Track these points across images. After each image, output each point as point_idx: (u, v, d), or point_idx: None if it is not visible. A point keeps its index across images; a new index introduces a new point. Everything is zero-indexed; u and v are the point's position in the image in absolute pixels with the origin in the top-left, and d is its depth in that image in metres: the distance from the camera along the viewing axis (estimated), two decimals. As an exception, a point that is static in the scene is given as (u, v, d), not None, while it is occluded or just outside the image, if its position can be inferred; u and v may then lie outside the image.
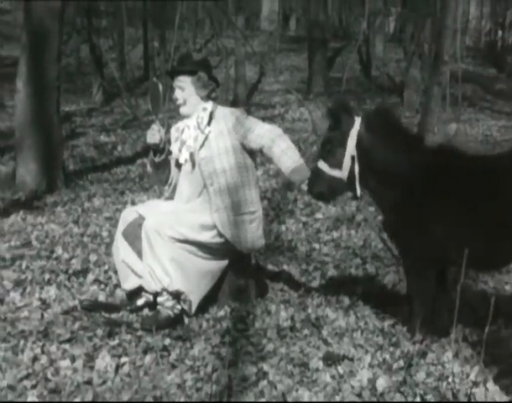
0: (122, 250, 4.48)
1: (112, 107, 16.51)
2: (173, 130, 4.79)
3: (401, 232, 4.08)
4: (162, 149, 4.62)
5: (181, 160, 4.60)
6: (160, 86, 4.68)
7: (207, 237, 4.41)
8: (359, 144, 3.97)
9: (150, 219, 4.29)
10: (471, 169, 3.96)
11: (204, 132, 4.50)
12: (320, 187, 4.15)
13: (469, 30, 30.57)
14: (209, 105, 4.58)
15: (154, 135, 4.54)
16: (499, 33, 27.01)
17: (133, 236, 4.42)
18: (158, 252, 4.22)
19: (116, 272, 5.23)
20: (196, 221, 4.38)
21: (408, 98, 17.46)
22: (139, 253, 4.38)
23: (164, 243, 4.21)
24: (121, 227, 4.51)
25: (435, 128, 12.57)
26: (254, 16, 23.24)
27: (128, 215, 4.53)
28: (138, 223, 4.38)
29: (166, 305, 4.33)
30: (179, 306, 4.36)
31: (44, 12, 8.22)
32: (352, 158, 4.00)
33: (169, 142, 4.71)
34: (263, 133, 4.46)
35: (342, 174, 4.04)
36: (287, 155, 4.39)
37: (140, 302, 4.51)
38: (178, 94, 4.55)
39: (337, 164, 4.02)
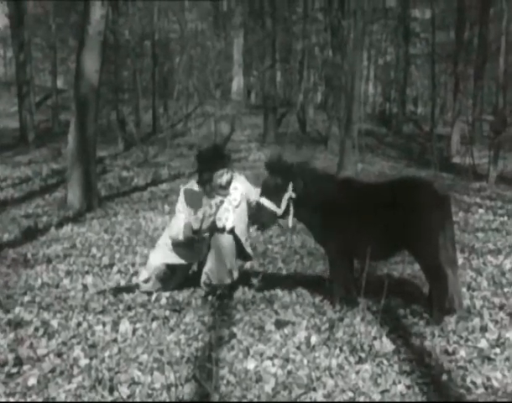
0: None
1: (131, 152, 16.39)
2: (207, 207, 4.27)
3: (324, 237, 4.11)
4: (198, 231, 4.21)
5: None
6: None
7: None
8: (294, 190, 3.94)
9: None
10: (363, 192, 4.06)
11: (235, 208, 4.24)
12: (262, 218, 4.04)
13: (368, 102, 31.11)
14: (238, 184, 4.30)
15: (196, 222, 4.18)
16: (387, 104, 27.54)
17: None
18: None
19: (132, 265, 5.22)
20: None
21: (330, 146, 17.67)
22: None
23: None
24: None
25: (348, 167, 12.73)
26: (227, 90, 23.27)
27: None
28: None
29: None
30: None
31: (87, 89, 8.23)
32: (289, 199, 3.96)
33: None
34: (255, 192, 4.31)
35: (279, 210, 3.96)
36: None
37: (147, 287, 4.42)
38: (226, 178, 4.24)
39: (277, 203, 3.94)
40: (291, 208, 3.98)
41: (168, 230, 4.43)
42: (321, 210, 3.97)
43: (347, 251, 4.02)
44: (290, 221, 4.02)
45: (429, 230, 3.70)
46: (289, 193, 3.94)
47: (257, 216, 4.09)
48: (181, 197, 4.36)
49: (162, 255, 4.35)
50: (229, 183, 4.27)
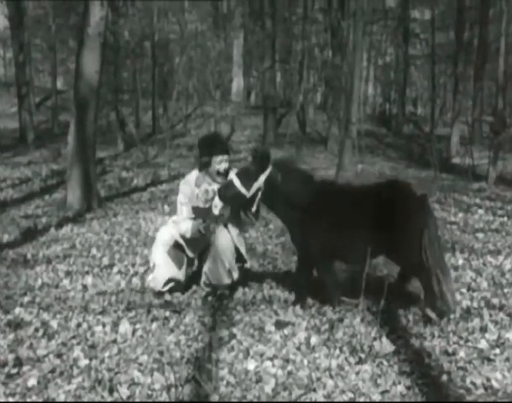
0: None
1: (131, 153, 16.40)
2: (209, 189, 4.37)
3: (299, 238, 4.08)
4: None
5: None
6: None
7: None
8: (270, 180, 3.92)
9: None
10: (341, 195, 4.03)
11: None
12: (227, 193, 4.00)
13: (368, 103, 31.13)
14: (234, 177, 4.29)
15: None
16: (387, 105, 27.56)
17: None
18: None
19: (132, 265, 5.22)
20: None
21: (330, 147, 17.68)
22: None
23: None
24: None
25: (348, 167, 12.74)
26: (227, 91, 23.29)
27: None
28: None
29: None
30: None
31: (86, 90, 8.24)
32: (259, 188, 3.94)
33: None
34: None
35: (247, 193, 3.94)
36: None
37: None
38: (224, 166, 4.31)
39: (247, 186, 3.93)
40: (257, 198, 3.96)
41: (172, 225, 4.40)
42: (298, 210, 3.95)
43: (322, 254, 3.99)
44: (254, 207, 4.02)
45: (408, 232, 3.70)
46: (260, 183, 3.92)
47: (224, 189, 4.02)
48: (181, 188, 4.40)
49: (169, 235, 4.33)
50: (227, 171, 4.30)
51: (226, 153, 4.34)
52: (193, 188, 4.35)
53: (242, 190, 3.94)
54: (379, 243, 3.80)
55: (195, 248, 4.40)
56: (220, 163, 4.29)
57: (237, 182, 3.95)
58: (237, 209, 4.22)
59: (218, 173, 4.29)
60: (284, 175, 3.97)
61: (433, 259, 3.68)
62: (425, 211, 3.76)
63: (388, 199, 3.79)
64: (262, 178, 3.92)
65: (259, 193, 3.95)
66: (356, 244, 3.84)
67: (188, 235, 4.24)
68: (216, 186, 4.25)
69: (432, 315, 3.65)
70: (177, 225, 4.32)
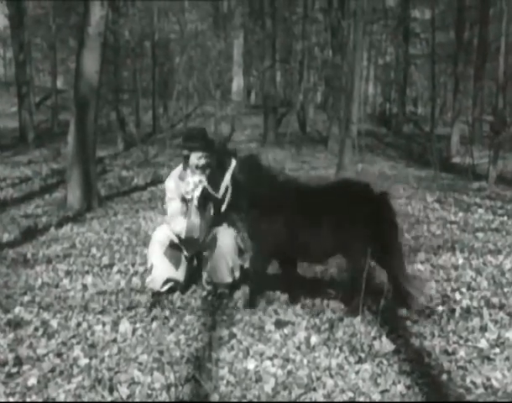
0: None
1: (131, 152, 16.41)
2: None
3: (255, 235, 4.05)
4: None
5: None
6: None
7: None
8: (233, 178, 3.96)
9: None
10: (300, 193, 4.00)
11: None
12: (204, 200, 4.09)
13: (368, 102, 31.13)
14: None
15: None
16: (387, 105, 27.55)
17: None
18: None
19: (132, 265, 5.22)
20: None
21: (330, 146, 17.68)
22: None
23: None
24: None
25: (348, 167, 12.74)
26: (227, 90, 23.28)
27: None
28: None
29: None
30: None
31: (87, 90, 8.24)
32: (227, 187, 3.98)
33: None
34: None
35: (218, 195, 4.01)
36: None
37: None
38: (203, 162, 4.29)
39: (216, 189, 4.00)
40: (227, 196, 4.00)
41: (166, 227, 4.40)
42: (257, 207, 3.94)
43: (276, 252, 3.98)
44: (223, 207, 4.07)
45: (361, 230, 3.73)
46: (227, 181, 3.95)
47: (201, 200, 4.12)
48: (167, 185, 4.40)
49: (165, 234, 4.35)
50: (205, 167, 4.30)
51: (206, 150, 4.32)
52: (177, 182, 4.36)
53: (215, 194, 4.00)
54: (335, 242, 3.81)
55: (192, 247, 4.39)
56: (199, 159, 4.30)
57: (209, 187, 4.03)
58: (218, 211, 4.23)
59: (197, 167, 4.31)
60: (246, 173, 3.97)
61: (391, 255, 3.75)
62: (381, 209, 3.78)
63: (342, 198, 3.81)
64: (227, 176, 3.96)
65: (229, 192, 3.98)
66: (313, 243, 3.84)
67: (183, 235, 4.24)
68: (196, 178, 4.27)
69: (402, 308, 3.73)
70: (171, 225, 4.31)
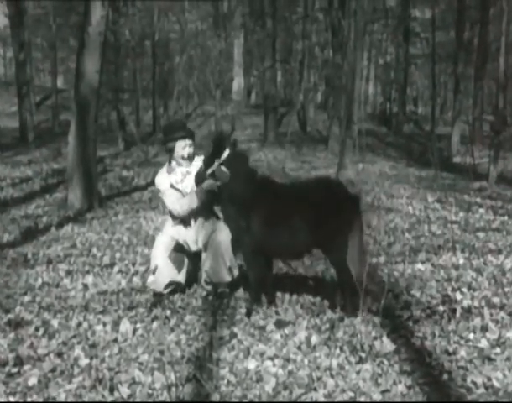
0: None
1: (131, 152, 16.40)
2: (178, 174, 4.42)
3: (239, 233, 4.05)
4: None
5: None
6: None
7: None
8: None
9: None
10: (278, 191, 4.03)
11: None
12: (200, 178, 4.08)
13: (369, 102, 31.13)
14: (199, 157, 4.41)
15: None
16: (388, 104, 27.55)
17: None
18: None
19: (133, 264, 5.22)
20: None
21: (331, 146, 17.65)
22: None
23: None
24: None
25: (348, 167, 12.73)
26: (227, 90, 23.29)
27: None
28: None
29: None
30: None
31: (87, 89, 8.24)
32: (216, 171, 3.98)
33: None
34: None
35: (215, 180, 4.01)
36: None
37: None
38: (188, 151, 4.35)
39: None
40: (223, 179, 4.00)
41: (171, 230, 4.40)
42: (238, 205, 3.96)
43: (260, 249, 3.98)
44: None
45: (338, 228, 3.75)
46: (214, 167, 3.96)
47: (198, 176, 4.12)
48: (157, 182, 4.41)
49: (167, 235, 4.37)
50: (191, 156, 4.34)
51: (189, 138, 4.35)
52: (166, 176, 4.38)
53: (208, 175, 4.00)
54: (311, 239, 3.83)
55: (195, 216, 4.33)
56: (184, 148, 4.31)
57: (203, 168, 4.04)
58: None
59: (183, 158, 4.33)
60: (230, 167, 3.97)
61: (354, 257, 3.76)
62: (352, 211, 3.82)
63: (319, 196, 3.83)
64: (216, 163, 3.96)
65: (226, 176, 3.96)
66: (290, 240, 3.85)
67: (181, 214, 4.21)
68: (183, 168, 4.32)
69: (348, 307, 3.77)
70: (176, 210, 4.26)
